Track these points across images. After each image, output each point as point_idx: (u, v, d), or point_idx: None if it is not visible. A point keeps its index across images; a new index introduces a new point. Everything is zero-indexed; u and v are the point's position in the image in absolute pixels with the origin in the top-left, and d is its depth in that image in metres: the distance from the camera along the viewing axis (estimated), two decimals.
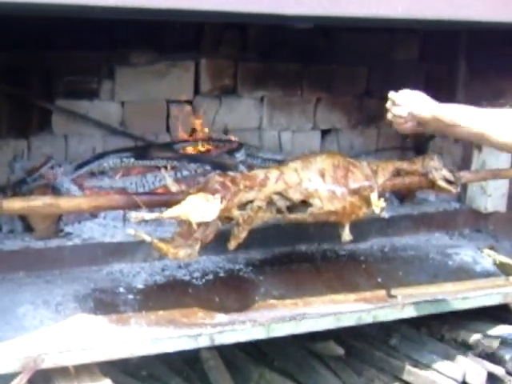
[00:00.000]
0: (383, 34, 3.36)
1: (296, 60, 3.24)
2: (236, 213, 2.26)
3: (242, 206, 2.27)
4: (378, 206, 2.41)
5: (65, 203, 2.09)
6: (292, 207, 2.39)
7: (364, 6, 2.12)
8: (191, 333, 2.13)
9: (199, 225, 2.10)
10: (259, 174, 2.32)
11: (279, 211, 2.35)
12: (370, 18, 2.15)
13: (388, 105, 2.11)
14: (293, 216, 2.39)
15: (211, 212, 2.08)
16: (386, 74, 3.41)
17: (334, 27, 3.02)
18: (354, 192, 2.42)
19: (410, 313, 2.51)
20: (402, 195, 3.22)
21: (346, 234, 2.50)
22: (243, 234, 2.29)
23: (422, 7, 2.19)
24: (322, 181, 2.37)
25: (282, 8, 1.97)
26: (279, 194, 2.33)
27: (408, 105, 2.04)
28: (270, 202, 2.33)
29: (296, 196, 2.36)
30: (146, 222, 2.20)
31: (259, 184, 2.28)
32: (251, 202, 2.27)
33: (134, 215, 2.04)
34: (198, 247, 2.18)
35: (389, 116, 2.10)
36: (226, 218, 2.24)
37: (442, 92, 3.39)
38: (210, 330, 2.15)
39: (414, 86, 3.44)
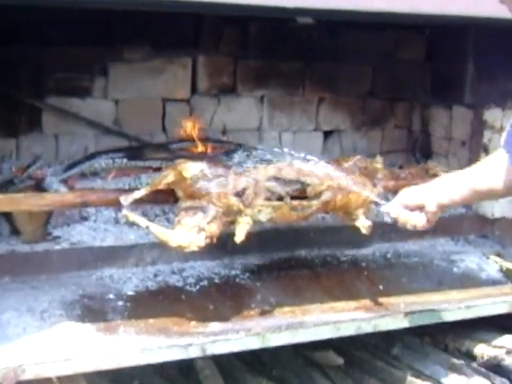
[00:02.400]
0: (388, 33, 3.31)
1: (298, 58, 3.20)
2: (233, 200, 2.19)
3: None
4: (365, 226, 2.35)
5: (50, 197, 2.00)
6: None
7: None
8: (182, 342, 2.04)
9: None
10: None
11: (281, 199, 2.28)
12: (373, 12, 2.12)
13: (401, 222, 2.04)
14: (296, 202, 2.29)
15: (193, 243, 2.07)
16: (390, 74, 3.40)
17: (337, 24, 2.97)
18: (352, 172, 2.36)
19: (411, 322, 2.43)
20: None
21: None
22: (247, 221, 2.19)
23: (428, 1, 2.15)
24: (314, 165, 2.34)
25: (282, 0, 1.92)
26: (273, 179, 2.27)
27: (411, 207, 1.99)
28: (269, 191, 2.27)
29: (291, 174, 2.29)
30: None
31: (249, 171, 2.24)
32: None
33: (124, 212, 2.03)
34: (203, 237, 2.10)
35: (411, 227, 2.03)
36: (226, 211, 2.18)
37: (449, 93, 3.39)
38: (201, 340, 2.06)
39: (419, 87, 3.51)
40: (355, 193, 2.31)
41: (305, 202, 2.30)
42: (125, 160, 2.76)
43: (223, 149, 2.97)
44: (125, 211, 2.09)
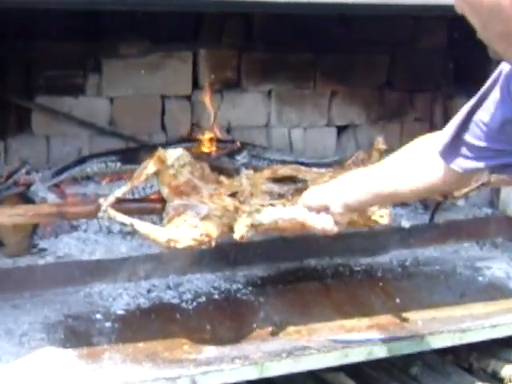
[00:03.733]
0: (406, 19, 3.14)
1: (308, 48, 3.05)
2: (227, 200, 2.06)
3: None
4: (384, 215, 2.15)
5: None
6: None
7: None
8: (170, 374, 1.87)
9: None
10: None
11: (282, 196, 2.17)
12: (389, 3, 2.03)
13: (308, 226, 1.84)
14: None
15: (186, 236, 1.91)
16: (409, 63, 3.24)
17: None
18: None
19: (429, 345, 2.27)
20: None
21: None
22: (246, 220, 2.02)
23: None
24: None
25: None
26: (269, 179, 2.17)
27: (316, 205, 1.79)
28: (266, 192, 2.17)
29: (286, 172, 2.24)
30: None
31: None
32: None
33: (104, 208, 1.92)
34: (198, 232, 1.93)
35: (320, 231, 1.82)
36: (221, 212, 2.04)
37: (474, 82, 3.15)
38: (191, 371, 1.89)
39: (441, 76, 3.29)
40: None
41: None
42: (118, 163, 2.64)
43: (227, 149, 2.82)
44: (104, 207, 1.93)
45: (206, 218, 1.98)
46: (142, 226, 1.97)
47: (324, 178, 2.19)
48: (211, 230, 1.97)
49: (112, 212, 1.95)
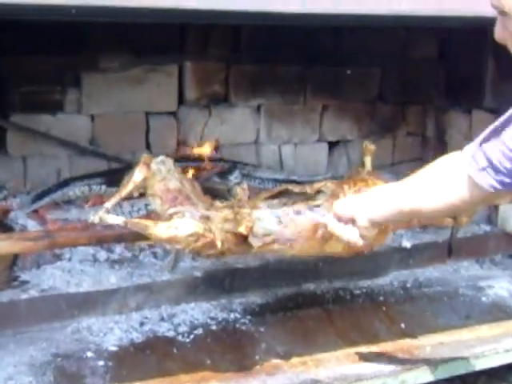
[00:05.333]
0: (398, 31, 3.14)
1: (298, 61, 3.04)
2: (226, 211, 1.97)
3: None
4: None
5: None
6: None
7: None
8: None
9: None
10: None
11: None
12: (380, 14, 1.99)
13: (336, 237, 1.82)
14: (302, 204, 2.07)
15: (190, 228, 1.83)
16: (401, 76, 3.26)
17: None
18: None
19: (443, 373, 2.20)
20: None
21: None
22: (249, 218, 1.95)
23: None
24: None
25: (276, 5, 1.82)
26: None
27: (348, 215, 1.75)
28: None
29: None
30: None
31: None
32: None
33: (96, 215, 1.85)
34: (201, 227, 1.85)
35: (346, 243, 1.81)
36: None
37: (468, 95, 3.19)
38: None
39: (433, 89, 3.28)
40: None
41: (310, 201, 2.08)
42: (103, 186, 2.56)
43: (217, 168, 2.77)
44: (96, 216, 1.85)
45: (206, 218, 1.90)
46: (137, 222, 1.88)
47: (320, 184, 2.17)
48: (213, 228, 1.88)
49: (104, 215, 1.87)
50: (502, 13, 1.15)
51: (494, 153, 1.46)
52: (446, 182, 1.59)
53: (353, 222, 1.73)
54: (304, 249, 1.99)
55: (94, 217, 1.85)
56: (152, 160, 1.95)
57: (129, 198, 2.36)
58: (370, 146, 2.34)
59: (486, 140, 1.48)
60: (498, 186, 1.48)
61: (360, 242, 1.75)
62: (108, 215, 1.87)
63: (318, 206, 2.06)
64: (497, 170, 1.47)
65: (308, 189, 2.16)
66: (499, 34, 1.19)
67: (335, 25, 2.63)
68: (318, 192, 2.14)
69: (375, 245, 2.10)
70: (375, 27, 2.60)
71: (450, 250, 2.77)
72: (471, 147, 1.52)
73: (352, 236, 1.74)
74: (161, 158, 1.98)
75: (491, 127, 1.49)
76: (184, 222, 1.84)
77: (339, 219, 1.76)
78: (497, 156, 1.45)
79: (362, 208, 1.72)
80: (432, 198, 1.61)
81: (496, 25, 1.19)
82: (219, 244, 1.87)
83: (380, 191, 1.78)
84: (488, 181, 1.48)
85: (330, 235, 1.95)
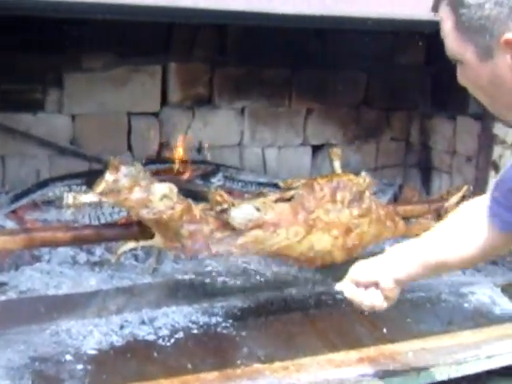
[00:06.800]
0: (384, 35, 3.19)
1: (283, 64, 3.09)
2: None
3: None
4: None
5: None
6: None
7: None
8: None
9: None
10: None
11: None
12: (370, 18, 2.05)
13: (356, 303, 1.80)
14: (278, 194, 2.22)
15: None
16: (386, 81, 3.32)
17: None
18: None
19: (426, 379, 2.21)
20: None
21: None
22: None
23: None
24: None
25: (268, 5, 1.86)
26: None
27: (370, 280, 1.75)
28: None
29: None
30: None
31: None
32: None
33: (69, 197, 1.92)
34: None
35: (368, 308, 1.79)
36: None
37: (453, 102, 3.23)
38: None
39: (418, 95, 3.33)
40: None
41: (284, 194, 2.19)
42: (83, 187, 2.56)
43: (200, 170, 2.81)
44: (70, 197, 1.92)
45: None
46: (111, 193, 1.93)
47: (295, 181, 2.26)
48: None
49: (77, 194, 1.94)
50: (459, 62, 1.22)
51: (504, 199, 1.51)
52: (468, 232, 1.64)
53: (376, 285, 1.70)
54: (290, 237, 2.02)
55: (68, 197, 1.90)
56: (120, 164, 1.98)
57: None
58: (336, 151, 2.42)
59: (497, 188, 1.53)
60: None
61: (385, 305, 1.73)
62: (82, 195, 1.93)
63: (293, 196, 2.14)
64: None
65: (281, 184, 2.23)
66: (460, 79, 1.27)
67: (323, 27, 2.64)
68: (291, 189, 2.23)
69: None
70: (365, 30, 2.64)
71: None
72: (488, 196, 1.57)
73: (376, 300, 1.71)
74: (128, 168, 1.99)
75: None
76: (158, 186, 1.93)
77: (357, 284, 1.73)
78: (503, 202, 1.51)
79: (384, 269, 1.70)
80: (459, 248, 1.64)
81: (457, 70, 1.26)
82: (197, 212, 1.94)
83: (401, 248, 1.77)
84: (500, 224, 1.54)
85: (313, 221, 1.99)
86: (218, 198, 2.08)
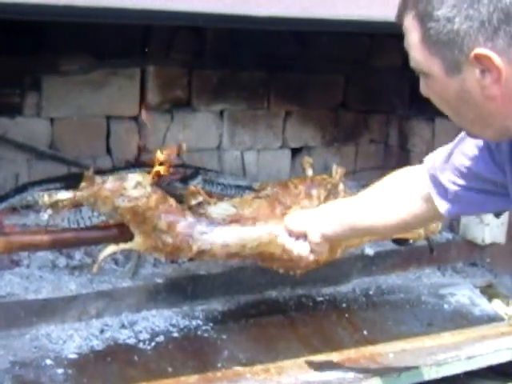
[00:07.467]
0: (361, 38, 3.22)
1: (261, 67, 3.07)
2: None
3: None
4: None
5: None
6: None
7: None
8: None
9: None
10: None
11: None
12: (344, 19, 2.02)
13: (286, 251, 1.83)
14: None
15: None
16: (364, 84, 3.32)
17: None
18: None
19: (407, 380, 2.25)
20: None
21: None
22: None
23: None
24: None
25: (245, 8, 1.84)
26: None
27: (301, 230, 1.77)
28: None
29: None
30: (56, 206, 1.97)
31: None
32: None
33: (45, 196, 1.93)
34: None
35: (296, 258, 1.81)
36: None
37: (431, 104, 3.22)
38: None
39: (396, 97, 3.35)
40: None
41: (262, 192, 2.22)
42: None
43: (179, 174, 2.77)
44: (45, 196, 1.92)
45: None
46: (86, 187, 1.95)
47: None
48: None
49: (52, 193, 1.94)
50: (423, 74, 1.20)
51: (448, 181, 1.48)
52: (400, 197, 1.61)
53: (304, 236, 1.73)
54: (269, 231, 2.04)
55: (43, 196, 1.91)
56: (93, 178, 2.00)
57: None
58: (308, 159, 2.46)
59: (445, 162, 1.50)
60: (452, 212, 1.52)
61: (311, 257, 1.75)
62: (57, 193, 1.93)
63: (268, 195, 2.18)
64: (453, 199, 1.50)
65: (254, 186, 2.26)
66: (423, 90, 1.23)
67: (301, 30, 2.65)
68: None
69: (323, 261, 2.17)
70: (343, 32, 2.65)
71: (432, 249, 2.85)
72: (431, 166, 1.54)
73: (302, 250, 1.74)
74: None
75: (446, 151, 1.52)
76: (131, 174, 2.00)
77: (290, 233, 1.76)
78: (451, 185, 1.48)
79: (314, 223, 1.72)
80: (384, 214, 1.64)
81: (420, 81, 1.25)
82: (173, 203, 1.98)
83: (334, 206, 1.80)
84: (445, 206, 1.52)
85: None
86: (194, 190, 2.12)
